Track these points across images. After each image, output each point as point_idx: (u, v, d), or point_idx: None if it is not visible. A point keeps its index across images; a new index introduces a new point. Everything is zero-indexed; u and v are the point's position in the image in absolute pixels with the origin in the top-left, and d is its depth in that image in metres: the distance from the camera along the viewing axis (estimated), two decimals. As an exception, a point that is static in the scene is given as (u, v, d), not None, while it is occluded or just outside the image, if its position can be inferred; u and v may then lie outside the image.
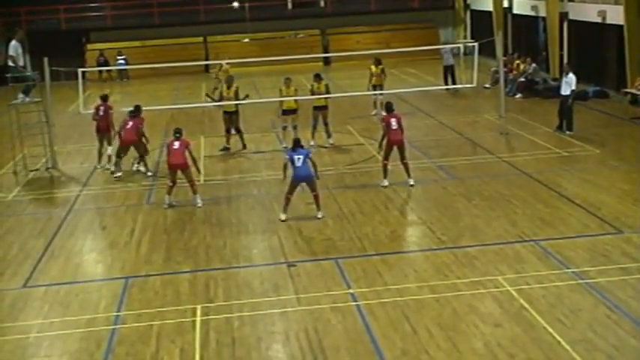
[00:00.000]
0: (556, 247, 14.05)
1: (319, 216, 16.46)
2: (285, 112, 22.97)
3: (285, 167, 16.74)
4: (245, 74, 38.68)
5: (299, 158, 16.45)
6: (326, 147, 22.89)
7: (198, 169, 18.63)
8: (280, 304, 12.29)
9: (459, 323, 11.31)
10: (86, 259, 15.25)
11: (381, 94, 26.57)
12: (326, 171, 20.17)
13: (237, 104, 23.11)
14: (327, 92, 23.18)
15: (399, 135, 18.15)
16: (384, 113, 18.79)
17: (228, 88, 23.17)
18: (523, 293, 12.14)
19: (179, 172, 17.72)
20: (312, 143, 22.91)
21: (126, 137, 20.39)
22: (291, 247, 14.89)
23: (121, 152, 20.69)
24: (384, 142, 18.22)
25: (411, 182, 18.34)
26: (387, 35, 44.52)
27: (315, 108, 22.98)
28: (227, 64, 31.00)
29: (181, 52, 41.87)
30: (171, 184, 17.84)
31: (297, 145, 16.71)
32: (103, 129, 21.62)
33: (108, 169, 21.27)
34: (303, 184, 16.63)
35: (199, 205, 17.75)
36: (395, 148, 18.23)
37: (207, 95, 23.04)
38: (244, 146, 23.12)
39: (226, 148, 23.05)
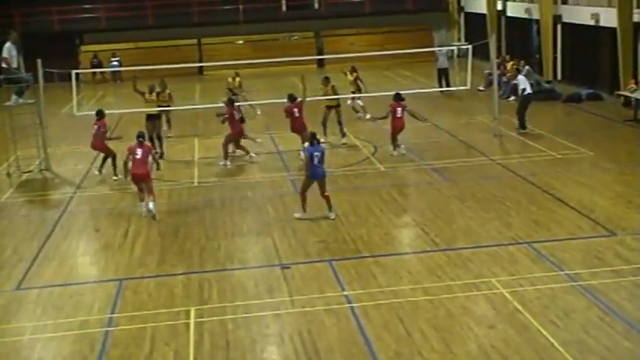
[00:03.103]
0: (550, 249, 14.08)
1: (331, 216, 16.40)
2: (328, 108, 23.57)
3: (308, 163, 16.32)
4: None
5: (317, 156, 16.19)
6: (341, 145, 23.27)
7: (157, 166, 20.12)
8: (274, 306, 12.29)
9: (453, 325, 11.32)
10: (80, 261, 15.23)
11: (359, 97, 26.45)
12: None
13: (159, 110, 23.06)
14: (335, 94, 23.64)
15: (402, 122, 21.45)
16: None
17: (151, 92, 22.96)
18: (516, 295, 12.16)
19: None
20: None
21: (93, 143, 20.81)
22: (285, 249, 14.89)
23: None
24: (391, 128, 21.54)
25: (403, 151, 21.58)
26: (381, 37, 44.53)
27: (328, 107, 23.58)
28: (234, 77, 29.54)
29: (175, 54, 41.87)
30: (139, 190, 17.49)
31: (314, 139, 16.41)
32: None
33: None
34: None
35: (152, 210, 16.99)
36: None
37: (135, 79, 23.22)
38: (162, 154, 22.56)
39: (158, 153, 22.40)
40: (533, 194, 17.57)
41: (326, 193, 16.49)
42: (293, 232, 15.79)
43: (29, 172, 21.85)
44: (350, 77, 26.68)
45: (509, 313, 11.58)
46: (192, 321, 11.93)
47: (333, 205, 16.57)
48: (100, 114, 20.89)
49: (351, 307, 12.10)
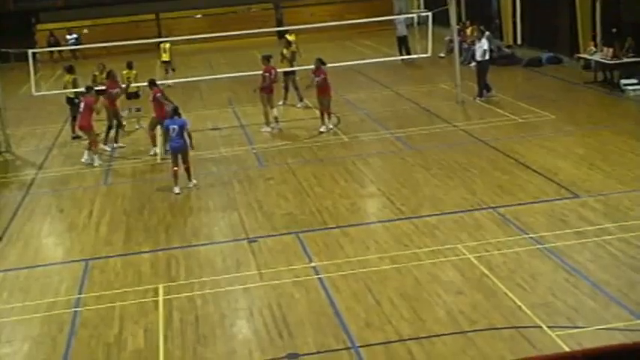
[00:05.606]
0: (514, 213, 14.19)
1: (190, 185, 17.17)
2: (286, 74, 24.92)
3: (164, 137, 17.43)
4: (198, 51, 38.42)
5: (174, 129, 16.85)
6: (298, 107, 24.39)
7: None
8: (242, 281, 12.28)
9: (421, 292, 11.39)
10: (45, 242, 15.10)
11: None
12: (284, 145, 20.18)
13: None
14: (292, 59, 25.51)
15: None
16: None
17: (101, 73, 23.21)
18: (483, 260, 12.26)
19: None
20: (280, 103, 24.00)
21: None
22: (251, 223, 14.86)
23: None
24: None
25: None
26: (341, 7, 44.42)
27: (286, 74, 24.87)
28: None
29: (134, 30, 41.42)
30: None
31: (174, 113, 17.09)
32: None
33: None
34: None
35: (95, 164, 19.51)
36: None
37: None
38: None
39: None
40: (497, 159, 17.68)
41: (186, 165, 17.09)
42: (259, 206, 15.76)
43: (-11, 154, 21.57)
44: (290, 37, 27.61)
45: (477, 278, 11.68)
46: (160, 298, 11.89)
47: (192, 175, 17.32)
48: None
49: (320, 278, 12.13)
